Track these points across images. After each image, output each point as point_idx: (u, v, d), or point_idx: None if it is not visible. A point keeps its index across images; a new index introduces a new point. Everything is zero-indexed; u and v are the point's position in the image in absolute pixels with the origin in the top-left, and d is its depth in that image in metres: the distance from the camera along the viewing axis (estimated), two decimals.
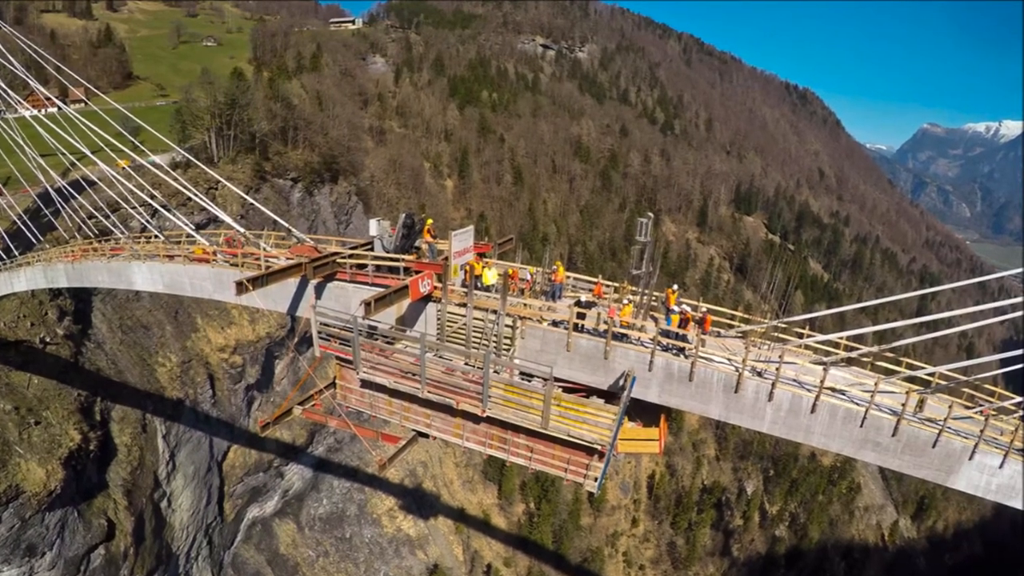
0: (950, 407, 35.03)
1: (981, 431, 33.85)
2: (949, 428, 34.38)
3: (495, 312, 40.70)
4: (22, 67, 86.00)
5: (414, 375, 37.27)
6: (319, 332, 40.16)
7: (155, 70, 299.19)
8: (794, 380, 37.31)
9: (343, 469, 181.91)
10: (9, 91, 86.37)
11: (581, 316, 40.56)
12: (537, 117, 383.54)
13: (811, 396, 35.83)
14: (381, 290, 41.93)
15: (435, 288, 43.22)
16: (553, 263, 48.39)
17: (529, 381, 37.84)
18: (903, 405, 34.77)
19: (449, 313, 42.90)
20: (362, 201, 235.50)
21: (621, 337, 40.31)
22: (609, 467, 37.23)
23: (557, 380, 37.59)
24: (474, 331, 41.62)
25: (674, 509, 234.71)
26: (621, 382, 39.07)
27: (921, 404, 36.18)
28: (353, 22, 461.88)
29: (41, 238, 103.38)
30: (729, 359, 39.26)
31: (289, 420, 48.16)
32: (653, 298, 45.88)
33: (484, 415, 35.57)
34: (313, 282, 46.88)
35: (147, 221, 76.17)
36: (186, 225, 62.80)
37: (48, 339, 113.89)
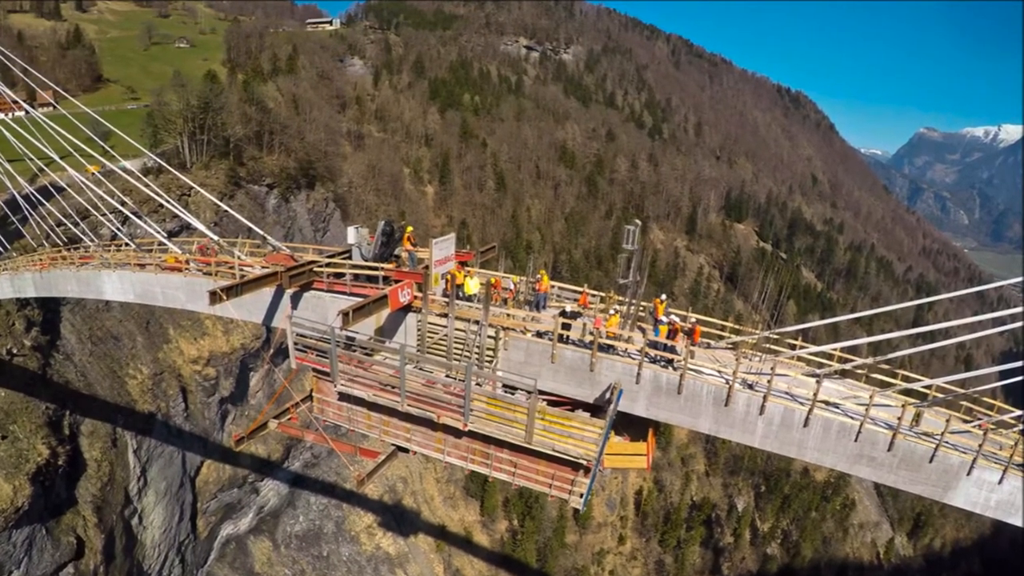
0: (947, 421, 35.18)
1: (979, 446, 34.00)
2: (946, 442, 34.51)
3: (477, 323, 40.76)
4: None
5: (394, 388, 37.30)
6: (295, 343, 40.14)
7: (126, 72, 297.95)
8: (786, 393, 37.40)
9: (320, 485, 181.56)
10: None
11: (566, 327, 40.62)
12: (521, 121, 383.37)
13: (804, 409, 35.93)
14: (359, 300, 41.93)
15: (415, 298, 43.26)
16: (537, 272, 48.47)
17: (512, 394, 37.87)
18: (899, 419, 34.90)
19: (430, 324, 42.91)
20: (340, 208, 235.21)
21: (607, 348, 40.37)
22: (595, 483, 37.28)
23: (541, 393, 37.65)
24: (456, 342, 41.65)
25: (662, 526, 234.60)
26: (608, 395, 39.13)
27: (917, 418, 36.32)
28: (330, 23, 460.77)
29: (8, 246, 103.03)
30: (719, 371, 39.35)
31: (264, 434, 48.11)
32: (640, 308, 45.96)
33: (466, 429, 35.60)
34: (289, 292, 46.87)
35: (117, 228, 76.23)
36: (158, 233, 62.69)
37: (15, 351, 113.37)
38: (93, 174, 75.65)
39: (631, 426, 42.05)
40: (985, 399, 39.22)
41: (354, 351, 40.23)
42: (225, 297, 42.42)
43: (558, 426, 34.20)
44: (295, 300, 47.87)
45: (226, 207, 73.41)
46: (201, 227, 60.15)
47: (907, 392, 39.17)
